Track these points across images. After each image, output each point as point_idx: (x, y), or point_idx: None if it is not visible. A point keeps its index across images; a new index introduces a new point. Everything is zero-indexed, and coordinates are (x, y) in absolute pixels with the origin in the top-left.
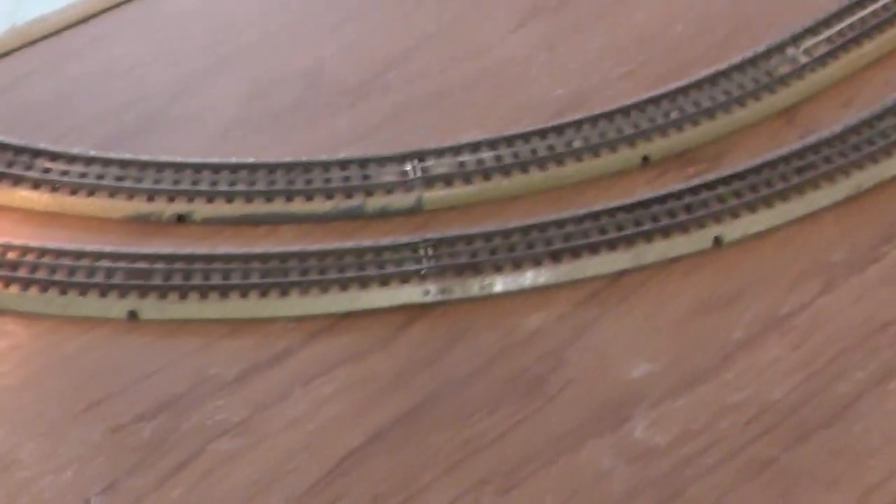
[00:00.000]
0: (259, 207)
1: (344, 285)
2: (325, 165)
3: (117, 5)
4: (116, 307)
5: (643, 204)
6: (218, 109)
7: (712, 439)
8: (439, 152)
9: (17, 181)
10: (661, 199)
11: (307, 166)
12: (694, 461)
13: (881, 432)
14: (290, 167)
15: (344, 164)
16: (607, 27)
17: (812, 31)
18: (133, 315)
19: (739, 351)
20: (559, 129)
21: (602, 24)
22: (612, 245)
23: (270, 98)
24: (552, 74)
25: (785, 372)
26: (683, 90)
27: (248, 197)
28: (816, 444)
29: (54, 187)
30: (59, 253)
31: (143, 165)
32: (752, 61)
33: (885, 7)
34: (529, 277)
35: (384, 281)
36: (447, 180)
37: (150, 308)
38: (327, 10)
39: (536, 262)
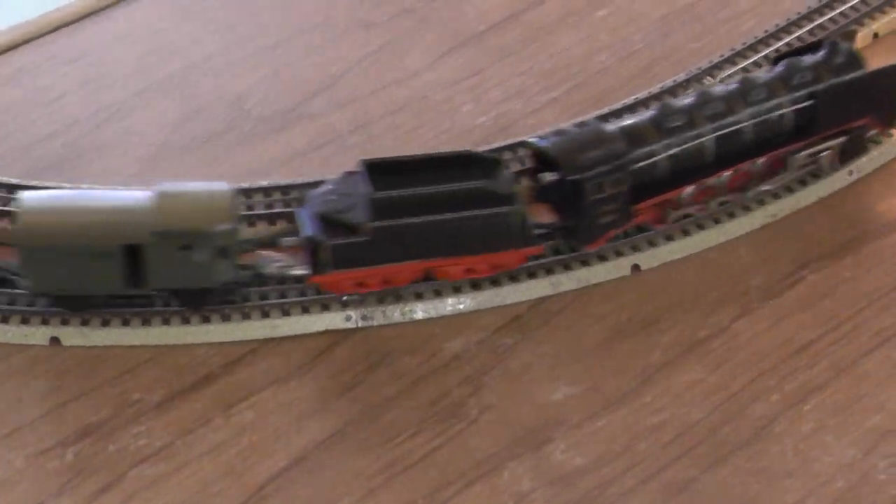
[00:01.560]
0: None
1: (265, 312)
2: (248, 192)
3: (42, 35)
4: (38, 333)
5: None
6: (145, 136)
7: (632, 461)
8: None
9: None
10: None
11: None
12: (614, 482)
13: (797, 453)
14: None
15: (267, 191)
16: (532, 55)
17: (730, 61)
18: (55, 341)
19: (658, 374)
20: None
21: (527, 52)
22: (531, 273)
23: (197, 124)
24: (476, 101)
25: (703, 394)
26: (605, 118)
27: None
28: (734, 465)
29: None
30: None
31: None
32: (672, 90)
33: (798, 38)
34: (450, 304)
35: (305, 307)
36: None
37: (73, 334)
38: (254, 38)
39: (457, 289)
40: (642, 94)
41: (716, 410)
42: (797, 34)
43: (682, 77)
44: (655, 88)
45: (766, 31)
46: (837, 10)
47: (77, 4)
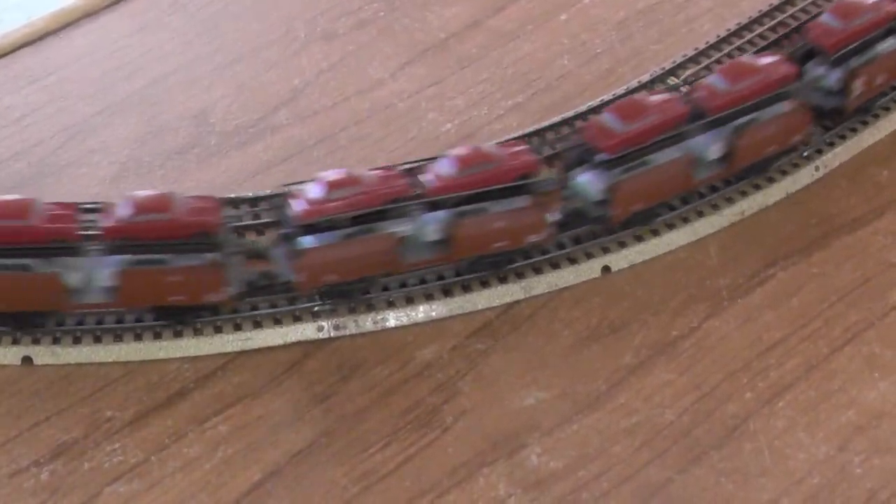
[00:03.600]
0: None
1: (237, 325)
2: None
3: (3, 55)
4: (10, 353)
5: None
6: (110, 153)
7: (606, 464)
8: None
9: None
10: None
11: (254, 201)
12: (589, 486)
13: (771, 451)
14: (236, 202)
15: (235, 203)
16: (494, 61)
17: (693, 60)
18: (27, 360)
19: (630, 376)
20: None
21: (489, 59)
22: (502, 278)
23: (161, 141)
24: (441, 109)
25: (675, 395)
26: (570, 121)
27: None
28: (708, 465)
29: None
30: None
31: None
32: (636, 91)
33: (761, 36)
34: (422, 311)
35: (277, 319)
36: None
37: (45, 353)
38: (214, 53)
39: (428, 296)
40: (606, 97)
41: (688, 411)
42: (758, 31)
43: (645, 78)
44: (620, 90)
45: (728, 30)
46: (796, 8)
47: (37, 24)
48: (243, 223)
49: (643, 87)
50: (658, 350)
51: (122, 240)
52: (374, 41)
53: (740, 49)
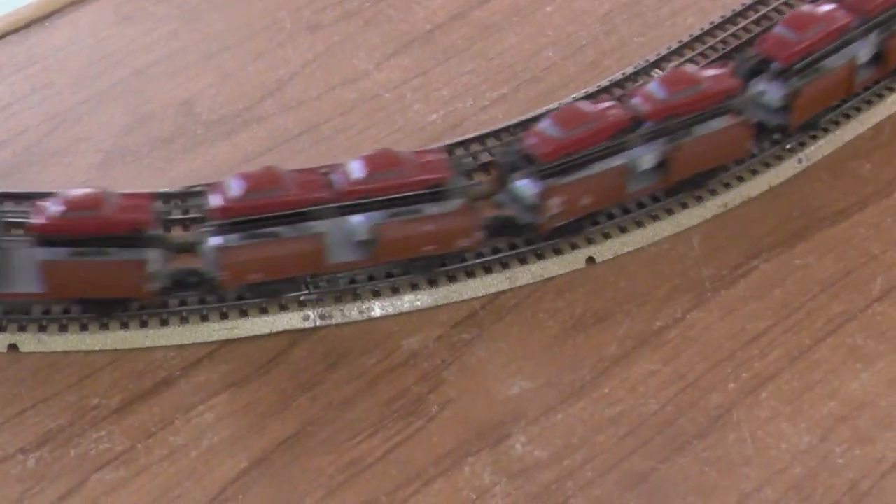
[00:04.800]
0: None
1: (224, 313)
2: (203, 194)
3: None
4: None
5: None
6: (95, 142)
7: (591, 453)
8: None
9: None
10: None
11: (183, 196)
12: (574, 475)
13: (755, 441)
14: (166, 197)
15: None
16: (479, 53)
17: (677, 52)
18: (13, 348)
19: (614, 366)
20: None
21: (474, 50)
22: (487, 268)
23: (146, 130)
24: (426, 100)
25: (659, 385)
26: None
27: None
28: (692, 454)
29: None
30: None
31: (20, 199)
32: (621, 83)
33: (745, 29)
34: (407, 301)
35: (263, 308)
36: None
37: (31, 341)
38: (199, 43)
39: (414, 286)
40: (591, 88)
41: (672, 401)
42: (742, 25)
43: (629, 70)
44: (604, 82)
45: (712, 23)
46: (779, 1)
47: (22, 12)
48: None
49: (628, 79)
50: (642, 340)
51: None
52: (359, 32)
53: (724, 42)
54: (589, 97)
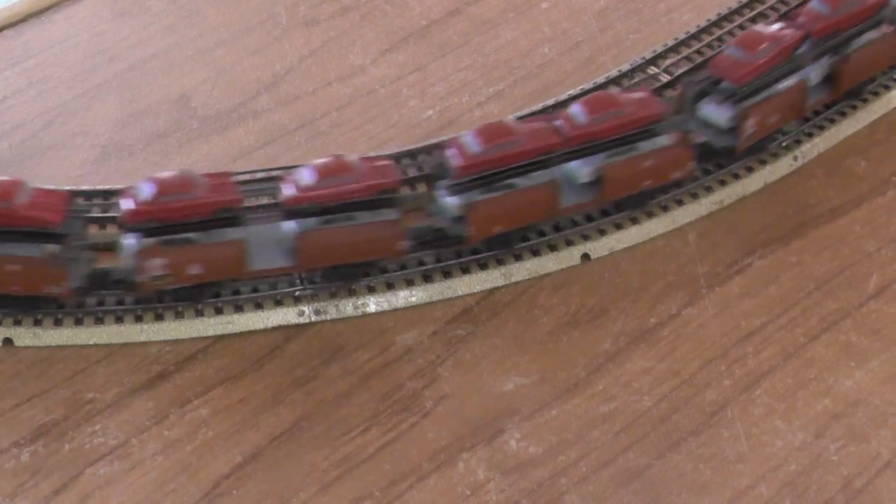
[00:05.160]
0: None
1: (219, 308)
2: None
3: None
4: None
5: None
6: (91, 136)
7: (585, 449)
8: None
9: None
10: None
11: (419, 154)
12: (568, 471)
13: (749, 438)
14: (398, 158)
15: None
16: (475, 49)
17: (673, 49)
18: (8, 342)
19: (608, 363)
20: (429, 150)
21: (470, 46)
22: (482, 264)
23: (143, 124)
24: (422, 96)
25: (654, 382)
26: (550, 109)
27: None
28: (686, 451)
29: None
30: None
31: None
32: (616, 80)
33: (740, 26)
34: (402, 297)
35: (259, 303)
36: None
37: (26, 335)
38: (195, 38)
39: (409, 282)
40: (587, 85)
41: (667, 397)
42: (738, 23)
43: (626, 67)
44: (600, 79)
45: (709, 20)
46: None
47: (17, 6)
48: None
49: (624, 75)
50: (637, 337)
51: None
52: (355, 27)
53: (721, 40)
54: (585, 94)
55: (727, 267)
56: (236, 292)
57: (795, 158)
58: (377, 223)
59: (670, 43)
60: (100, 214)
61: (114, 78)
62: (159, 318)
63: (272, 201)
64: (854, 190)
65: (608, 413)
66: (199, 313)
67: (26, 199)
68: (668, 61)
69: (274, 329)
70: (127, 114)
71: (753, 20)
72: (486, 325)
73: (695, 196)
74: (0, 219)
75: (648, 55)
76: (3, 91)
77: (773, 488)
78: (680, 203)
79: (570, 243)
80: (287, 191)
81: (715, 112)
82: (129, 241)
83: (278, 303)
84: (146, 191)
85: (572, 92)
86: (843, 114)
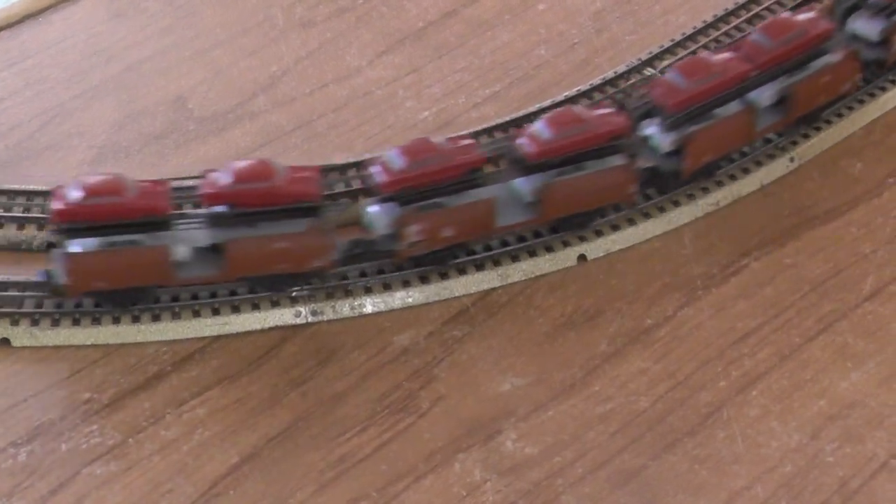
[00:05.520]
0: None
1: (216, 309)
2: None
3: None
4: None
5: None
6: (87, 137)
7: (581, 450)
8: None
9: None
10: None
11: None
12: (564, 472)
13: (744, 439)
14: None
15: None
16: (471, 50)
17: (669, 51)
18: (5, 342)
19: (604, 364)
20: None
21: (466, 48)
22: (479, 265)
23: (140, 125)
24: (418, 97)
25: (649, 383)
26: (547, 111)
27: None
28: (682, 452)
29: None
30: None
31: (13, 194)
32: (613, 81)
33: (737, 28)
34: (399, 298)
35: (255, 304)
36: None
37: (23, 335)
38: (192, 39)
39: (405, 282)
40: (584, 87)
41: (663, 398)
42: (734, 24)
43: (622, 68)
44: (596, 80)
45: (704, 22)
46: (771, 0)
47: (15, 7)
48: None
49: (620, 77)
50: (633, 338)
51: None
52: (352, 29)
53: (717, 42)
54: (583, 94)
55: (723, 268)
56: (233, 293)
57: (791, 160)
58: (611, 169)
59: (666, 45)
60: (344, 189)
61: (111, 79)
62: (156, 318)
63: (512, 158)
64: (850, 191)
65: (604, 414)
66: (196, 314)
67: (285, 176)
68: (664, 63)
69: (271, 330)
70: (124, 115)
71: (749, 22)
72: (483, 326)
73: (691, 197)
74: (266, 198)
75: (644, 57)
76: (0, 92)
77: (768, 489)
78: (676, 204)
79: (566, 244)
80: (527, 148)
81: (657, 135)
82: (379, 209)
83: (275, 303)
84: (396, 160)
85: (568, 93)
86: (840, 115)
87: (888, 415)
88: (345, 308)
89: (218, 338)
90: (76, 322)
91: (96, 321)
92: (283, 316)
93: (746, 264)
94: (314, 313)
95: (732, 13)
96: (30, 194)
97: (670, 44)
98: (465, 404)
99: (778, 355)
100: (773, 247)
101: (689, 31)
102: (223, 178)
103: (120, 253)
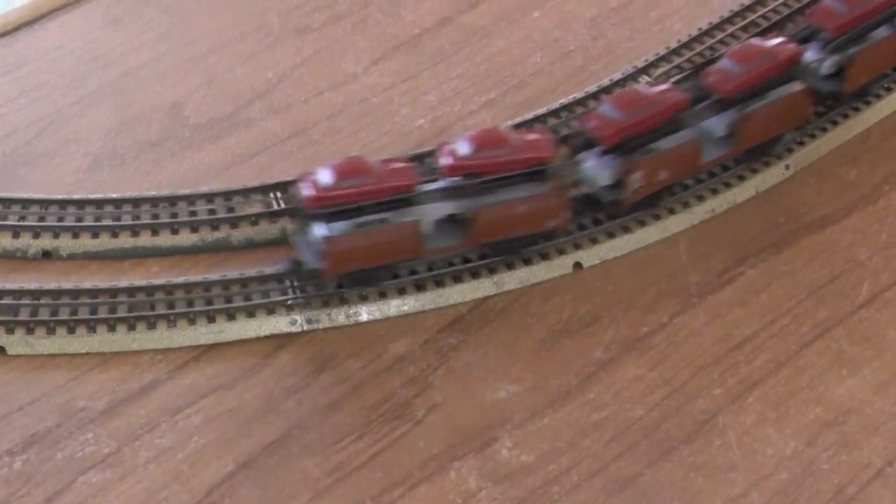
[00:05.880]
0: (125, 241)
1: (211, 317)
2: (190, 199)
3: None
4: None
5: None
6: (83, 144)
7: (576, 458)
8: None
9: None
10: None
11: (172, 200)
12: (559, 479)
13: (740, 446)
14: (154, 201)
15: (209, 197)
16: (467, 57)
17: (664, 59)
18: (1, 350)
19: (600, 371)
20: (420, 158)
21: (462, 55)
22: (474, 273)
23: (135, 132)
24: (414, 104)
25: (645, 390)
26: (542, 118)
27: (114, 231)
28: (677, 459)
29: None
30: None
31: (8, 202)
32: (608, 89)
33: (732, 35)
34: (394, 306)
35: (251, 312)
36: None
37: (18, 343)
38: (188, 46)
39: (401, 290)
40: (579, 94)
41: (658, 406)
42: (730, 31)
43: (617, 76)
44: (592, 88)
45: (700, 29)
46: (767, 8)
47: (11, 15)
48: None
49: (616, 84)
50: (628, 345)
51: None
52: (347, 36)
53: (712, 49)
54: (578, 103)
55: (718, 275)
56: (229, 301)
57: (787, 167)
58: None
59: (662, 52)
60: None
61: (107, 86)
62: (152, 326)
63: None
64: (846, 198)
65: (600, 421)
66: (192, 322)
67: (519, 142)
68: (659, 70)
69: (266, 338)
70: (120, 121)
71: (745, 29)
72: (478, 334)
73: (686, 205)
74: (506, 165)
75: (640, 64)
76: None
77: (764, 496)
78: (672, 212)
79: (561, 252)
80: (723, 85)
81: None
82: (597, 162)
83: (270, 312)
84: (611, 112)
85: (564, 101)
86: (835, 122)
87: (884, 422)
88: (340, 316)
89: (213, 346)
90: (71, 330)
91: (92, 329)
92: (279, 324)
93: (742, 271)
94: (309, 321)
95: (728, 20)
96: (25, 202)
97: (666, 51)
98: (461, 412)
99: (774, 362)
100: (768, 253)
101: (684, 39)
102: (461, 149)
103: (376, 232)
